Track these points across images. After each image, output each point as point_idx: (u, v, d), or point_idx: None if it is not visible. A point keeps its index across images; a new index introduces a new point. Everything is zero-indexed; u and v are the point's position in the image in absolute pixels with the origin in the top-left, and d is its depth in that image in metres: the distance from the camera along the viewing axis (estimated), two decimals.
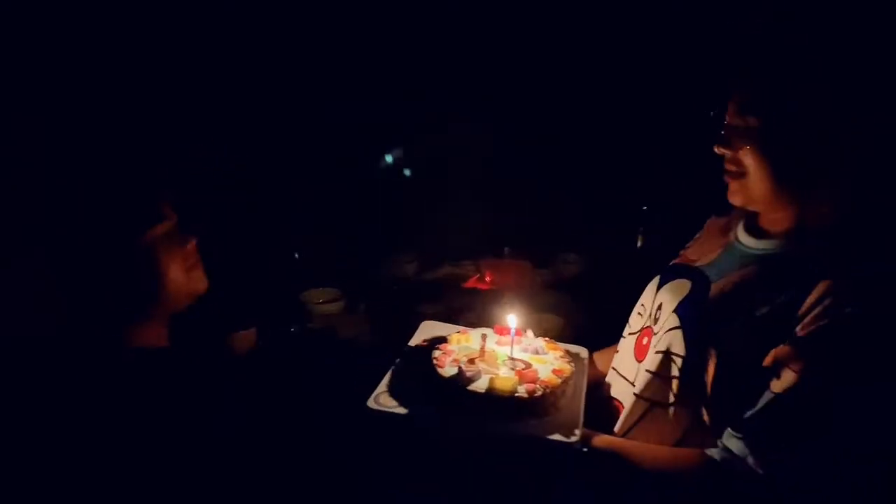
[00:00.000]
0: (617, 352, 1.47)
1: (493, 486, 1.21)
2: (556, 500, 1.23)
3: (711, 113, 1.22)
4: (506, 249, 2.68)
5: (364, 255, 2.67)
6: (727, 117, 1.21)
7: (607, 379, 1.46)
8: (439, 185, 2.82)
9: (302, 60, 2.55)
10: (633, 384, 1.33)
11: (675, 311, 1.29)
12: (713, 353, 1.17)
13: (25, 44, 1.67)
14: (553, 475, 1.21)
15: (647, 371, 1.29)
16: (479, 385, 1.26)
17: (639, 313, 1.46)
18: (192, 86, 2.22)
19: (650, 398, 1.27)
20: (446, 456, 1.24)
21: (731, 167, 1.22)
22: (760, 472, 1.06)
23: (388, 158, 2.95)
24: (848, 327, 1.05)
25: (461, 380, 1.26)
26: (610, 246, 2.62)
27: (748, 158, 1.18)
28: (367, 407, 1.26)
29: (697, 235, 1.50)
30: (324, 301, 2.38)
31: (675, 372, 1.23)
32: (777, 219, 1.25)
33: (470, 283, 2.60)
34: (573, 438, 1.18)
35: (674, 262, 1.45)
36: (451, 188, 2.77)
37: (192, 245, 1.32)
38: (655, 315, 1.36)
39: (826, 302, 1.07)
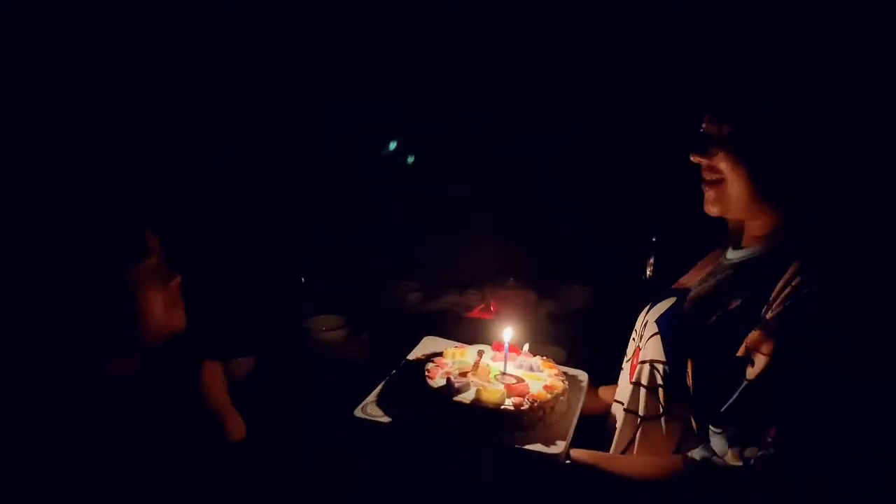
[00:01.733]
0: (619, 384, 1.45)
1: (477, 498, 1.19)
2: None
3: (689, 123, 1.25)
4: (510, 279, 2.66)
5: (368, 283, 2.67)
6: (702, 126, 1.24)
7: (612, 411, 1.44)
8: (445, 213, 2.83)
9: (302, 60, 2.58)
10: (623, 404, 1.32)
11: (656, 321, 1.30)
12: (692, 353, 1.17)
13: (25, 44, 1.71)
14: (537, 489, 1.18)
15: (632, 383, 1.29)
16: (466, 396, 1.25)
17: (632, 339, 1.46)
18: (191, 86, 2.26)
19: (638, 412, 1.27)
20: (431, 465, 1.23)
21: (709, 175, 1.24)
22: (739, 464, 1.04)
23: (392, 145, 2.95)
24: (816, 305, 1.05)
25: (449, 390, 1.26)
26: (617, 277, 2.59)
27: (723, 164, 1.20)
28: (354, 416, 1.25)
29: (696, 264, 1.50)
30: (327, 329, 2.38)
31: (659, 380, 1.23)
32: (756, 227, 1.26)
33: (475, 313, 2.59)
34: (553, 450, 1.16)
35: (671, 287, 1.45)
36: (457, 216, 2.77)
37: (175, 283, 1.30)
38: (641, 333, 1.37)
39: (794, 282, 1.08)
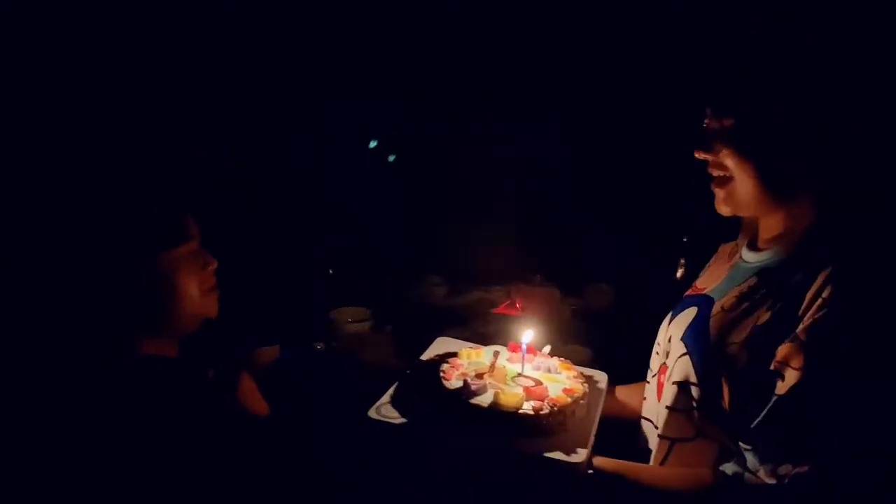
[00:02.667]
0: (645, 398, 1.41)
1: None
2: None
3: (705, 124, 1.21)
4: (537, 276, 2.62)
5: (394, 276, 2.66)
6: (705, 121, 1.20)
7: (642, 428, 1.39)
8: (473, 207, 2.79)
9: (302, 60, 2.57)
10: (657, 426, 1.28)
11: (682, 338, 1.24)
12: (724, 373, 1.11)
13: (25, 44, 1.71)
14: (556, 497, 1.15)
15: (666, 407, 1.23)
16: (483, 399, 1.22)
17: (656, 352, 1.41)
18: (191, 86, 2.26)
19: (672, 436, 1.22)
20: (446, 470, 1.20)
21: (715, 172, 1.20)
22: (771, 482, 1.00)
23: (373, 143, 2.94)
24: (846, 317, 1.00)
25: (465, 393, 1.23)
26: (646, 277, 2.53)
27: (729, 160, 1.16)
28: (368, 417, 1.23)
29: (708, 264, 1.46)
30: (352, 320, 2.38)
31: (692, 402, 1.18)
32: (769, 226, 1.22)
33: (500, 309, 2.55)
34: (575, 458, 1.12)
35: (686, 293, 1.40)
36: (485, 211, 2.74)
37: (212, 268, 1.32)
38: (667, 349, 1.31)
39: (824, 294, 1.03)
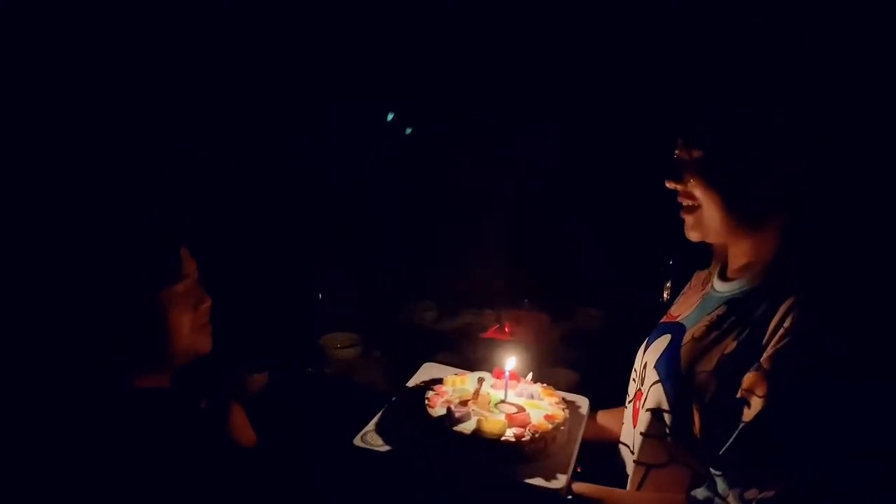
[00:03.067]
0: (623, 423, 1.43)
1: None
2: None
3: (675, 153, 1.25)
4: (525, 301, 2.65)
5: (384, 300, 2.68)
6: (675, 152, 1.24)
7: (620, 452, 1.41)
8: (468, 213, 2.82)
9: (302, 60, 2.59)
10: (633, 452, 1.30)
11: (655, 366, 1.27)
12: (695, 401, 1.14)
13: (25, 44, 1.72)
14: None
15: (640, 434, 1.26)
16: (467, 427, 1.24)
17: (632, 379, 1.43)
18: (191, 86, 2.26)
19: (647, 462, 1.24)
20: (430, 496, 1.22)
21: (685, 201, 1.24)
22: None
23: (389, 116, 2.95)
24: (807, 345, 1.03)
25: (449, 420, 1.25)
26: (633, 301, 2.56)
27: (697, 190, 1.20)
28: (353, 445, 1.25)
29: (683, 291, 1.49)
30: (341, 346, 2.40)
31: (665, 429, 1.21)
32: (738, 254, 1.25)
33: (489, 333, 2.57)
34: (555, 484, 1.14)
35: (661, 320, 1.43)
36: (478, 221, 2.76)
37: (205, 306, 1.33)
38: (642, 376, 1.34)
39: (786, 323, 1.06)
